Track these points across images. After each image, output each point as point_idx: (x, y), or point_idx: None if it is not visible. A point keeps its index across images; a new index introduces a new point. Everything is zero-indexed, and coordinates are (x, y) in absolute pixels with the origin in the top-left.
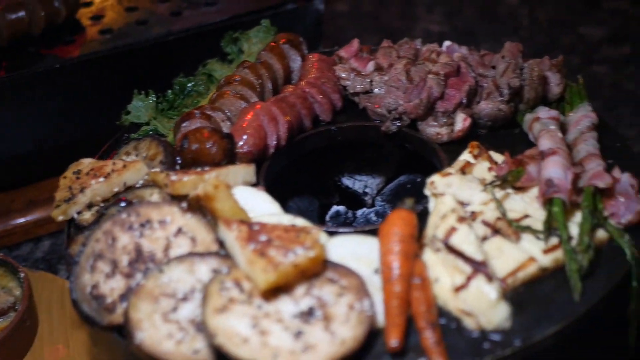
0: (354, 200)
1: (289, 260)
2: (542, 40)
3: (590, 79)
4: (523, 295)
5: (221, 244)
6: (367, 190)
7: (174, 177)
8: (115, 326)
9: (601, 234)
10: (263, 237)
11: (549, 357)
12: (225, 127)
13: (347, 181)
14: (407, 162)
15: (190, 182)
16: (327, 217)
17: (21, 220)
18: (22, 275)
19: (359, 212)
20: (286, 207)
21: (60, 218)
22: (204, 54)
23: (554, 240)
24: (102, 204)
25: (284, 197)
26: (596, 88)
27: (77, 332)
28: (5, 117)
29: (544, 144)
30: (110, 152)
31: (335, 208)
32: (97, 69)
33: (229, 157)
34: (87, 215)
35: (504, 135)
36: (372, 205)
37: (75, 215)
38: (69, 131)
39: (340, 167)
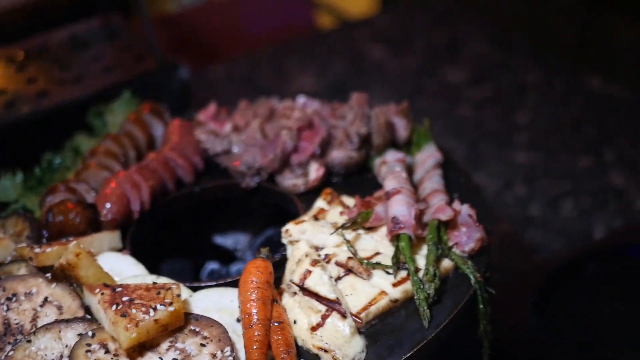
0: (227, 256)
1: (149, 316)
2: (409, 88)
3: (455, 121)
4: (377, 327)
5: (87, 309)
6: (238, 245)
7: (37, 250)
8: None
9: (447, 263)
10: (125, 298)
11: None
12: (90, 198)
13: (218, 239)
14: (273, 214)
15: (53, 253)
16: (204, 276)
17: None
18: None
19: (233, 268)
20: (160, 270)
21: None
22: (72, 129)
23: (403, 274)
24: None
25: (156, 260)
26: (461, 129)
27: None
28: None
29: (389, 184)
30: None
31: (209, 266)
32: None
33: (94, 226)
34: None
35: (358, 181)
36: (244, 259)
37: None
38: None
39: (209, 226)
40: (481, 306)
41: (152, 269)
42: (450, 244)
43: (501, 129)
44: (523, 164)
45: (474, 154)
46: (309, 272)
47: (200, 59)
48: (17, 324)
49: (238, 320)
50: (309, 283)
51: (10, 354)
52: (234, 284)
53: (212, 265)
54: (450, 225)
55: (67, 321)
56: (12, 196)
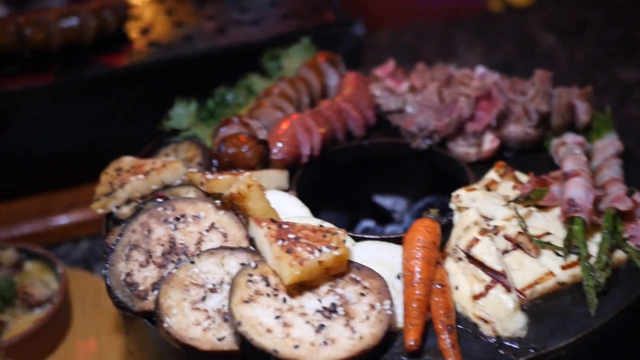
0: (383, 216)
1: (314, 257)
2: (578, 80)
3: (623, 119)
4: (540, 307)
5: (251, 241)
6: (396, 207)
7: (209, 176)
8: (146, 312)
9: (619, 254)
10: (291, 235)
11: None
12: (262, 135)
13: (377, 197)
14: (436, 181)
15: (224, 181)
16: (357, 231)
17: (61, 221)
18: (61, 270)
19: (388, 229)
20: (318, 217)
21: (100, 211)
22: (245, 69)
23: (572, 258)
24: (140, 200)
25: (315, 207)
26: (628, 128)
27: (109, 327)
28: (51, 120)
29: (568, 165)
30: (151, 155)
31: (364, 223)
32: (143, 79)
33: (264, 162)
34: (126, 210)
35: (531, 159)
36: (401, 222)
37: (114, 209)
38: (112, 136)
39: (371, 182)
40: None
41: (313, 214)
42: (625, 235)
43: None
44: None
45: None
46: (477, 240)
47: (366, 23)
48: (182, 244)
49: (398, 277)
50: (476, 251)
51: (173, 271)
52: (397, 241)
53: (368, 223)
54: (627, 217)
55: (232, 249)
56: (184, 124)
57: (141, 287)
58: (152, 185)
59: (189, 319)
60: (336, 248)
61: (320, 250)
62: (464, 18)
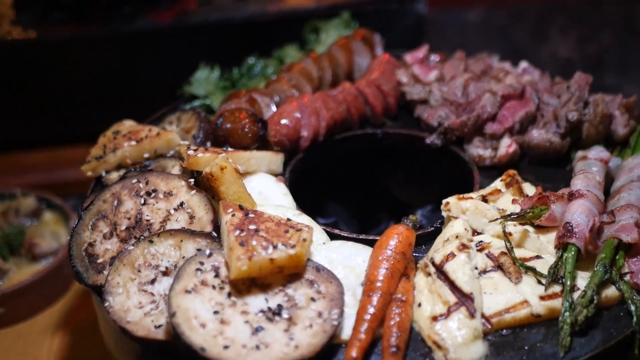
0: (395, 210)
1: (266, 253)
2: None
3: None
4: (506, 338)
5: (218, 227)
6: (409, 202)
7: (190, 152)
8: (98, 287)
9: (612, 291)
10: (252, 226)
11: None
12: (268, 114)
13: (392, 189)
14: (454, 181)
15: (204, 160)
16: (361, 225)
17: None
18: (72, 224)
19: None
20: (314, 206)
21: (89, 174)
22: (291, 39)
23: (556, 288)
24: (132, 168)
25: (314, 195)
26: None
27: None
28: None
29: (576, 184)
30: (164, 119)
31: (373, 216)
32: (187, 37)
33: (260, 142)
34: (114, 176)
35: (552, 172)
36: None
37: (104, 174)
38: (142, 93)
39: (381, 174)
40: (636, 352)
41: (305, 203)
42: (624, 270)
43: None
44: None
45: None
46: (453, 255)
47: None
48: (147, 220)
49: (362, 285)
50: (449, 268)
51: (130, 248)
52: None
53: (377, 216)
54: (632, 250)
55: (192, 233)
56: (202, 91)
57: (100, 260)
58: (144, 154)
59: (131, 301)
60: (293, 246)
61: (275, 247)
62: (565, 2)
